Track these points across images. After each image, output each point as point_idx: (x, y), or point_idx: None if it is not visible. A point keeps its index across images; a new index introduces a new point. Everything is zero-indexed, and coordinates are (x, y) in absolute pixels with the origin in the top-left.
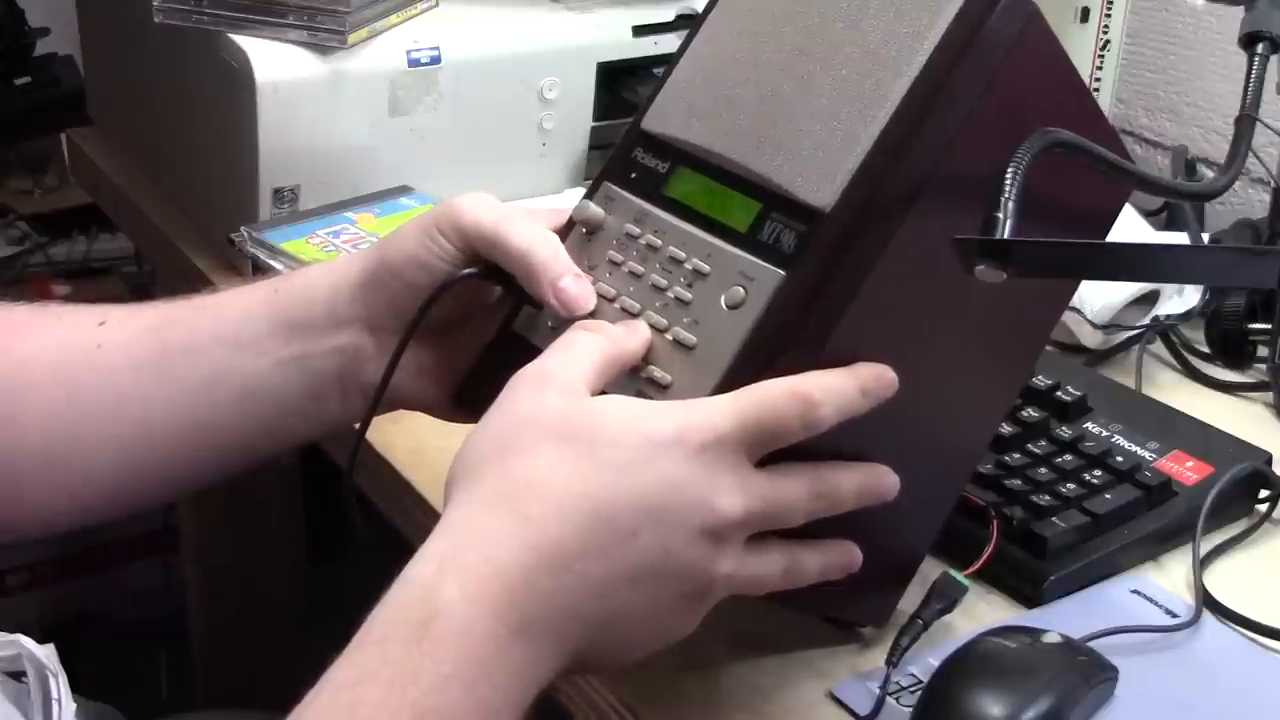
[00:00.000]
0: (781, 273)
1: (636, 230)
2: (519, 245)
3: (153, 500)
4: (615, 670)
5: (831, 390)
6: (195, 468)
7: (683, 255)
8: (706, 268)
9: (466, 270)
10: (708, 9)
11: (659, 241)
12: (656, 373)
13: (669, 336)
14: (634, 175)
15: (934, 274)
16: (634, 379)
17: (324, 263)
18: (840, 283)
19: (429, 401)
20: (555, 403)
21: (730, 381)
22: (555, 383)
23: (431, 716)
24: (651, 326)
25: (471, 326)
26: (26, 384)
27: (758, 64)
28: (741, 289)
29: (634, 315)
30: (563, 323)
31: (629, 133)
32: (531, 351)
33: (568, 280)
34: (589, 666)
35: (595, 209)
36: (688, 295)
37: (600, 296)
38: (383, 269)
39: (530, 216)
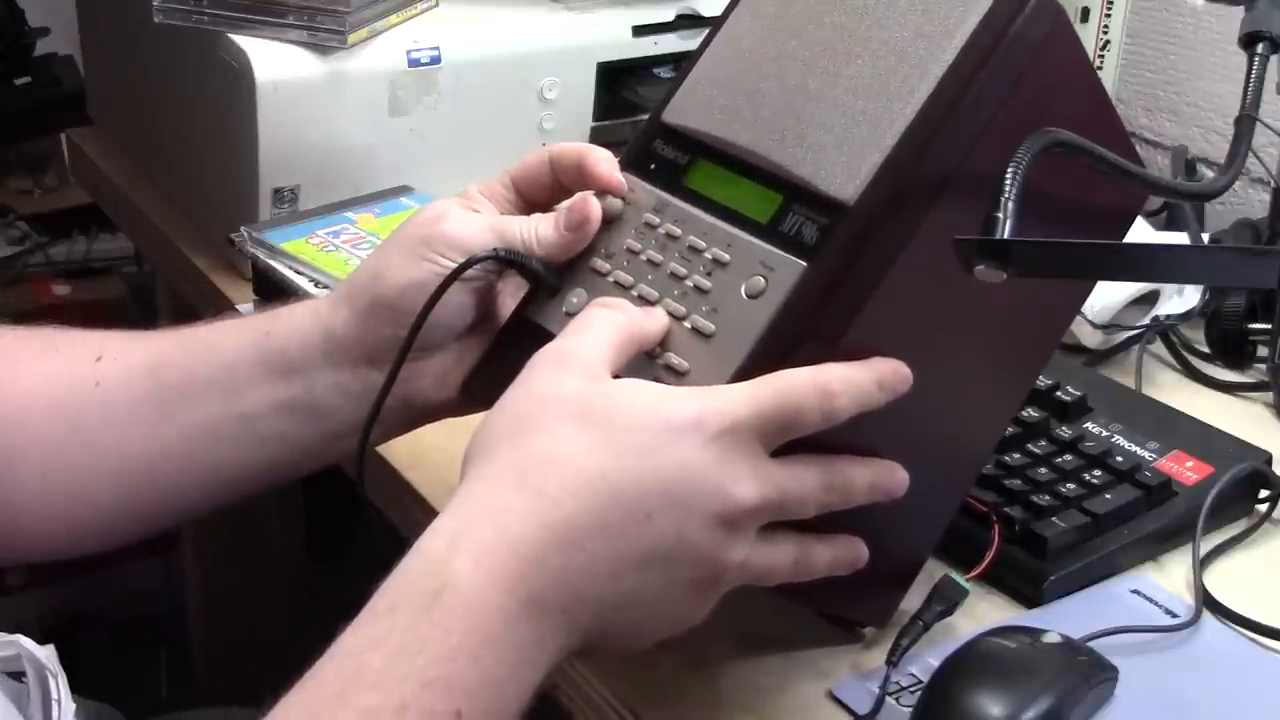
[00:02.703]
0: (803, 264)
1: (656, 219)
2: (524, 232)
3: (152, 528)
4: (623, 655)
5: (850, 382)
6: (197, 501)
7: (702, 244)
8: (726, 257)
9: (483, 254)
10: (731, 6)
11: (678, 231)
12: (674, 360)
13: (687, 324)
14: (653, 166)
15: (952, 272)
16: (651, 365)
17: (310, 303)
18: (861, 276)
19: (448, 407)
20: (574, 383)
21: (748, 370)
22: (574, 362)
23: (438, 685)
24: (669, 314)
25: (486, 332)
26: (25, 417)
27: (782, 59)
28: (762, 279)
29: (652, 303)
30: (577, 308)
31: (648, 125)
32: (545, 336)
33: (563, 214)
34: (598, 649)
35: (613, 198)
36: (707, 284)
37: (617, 284)
38: (377, 308)
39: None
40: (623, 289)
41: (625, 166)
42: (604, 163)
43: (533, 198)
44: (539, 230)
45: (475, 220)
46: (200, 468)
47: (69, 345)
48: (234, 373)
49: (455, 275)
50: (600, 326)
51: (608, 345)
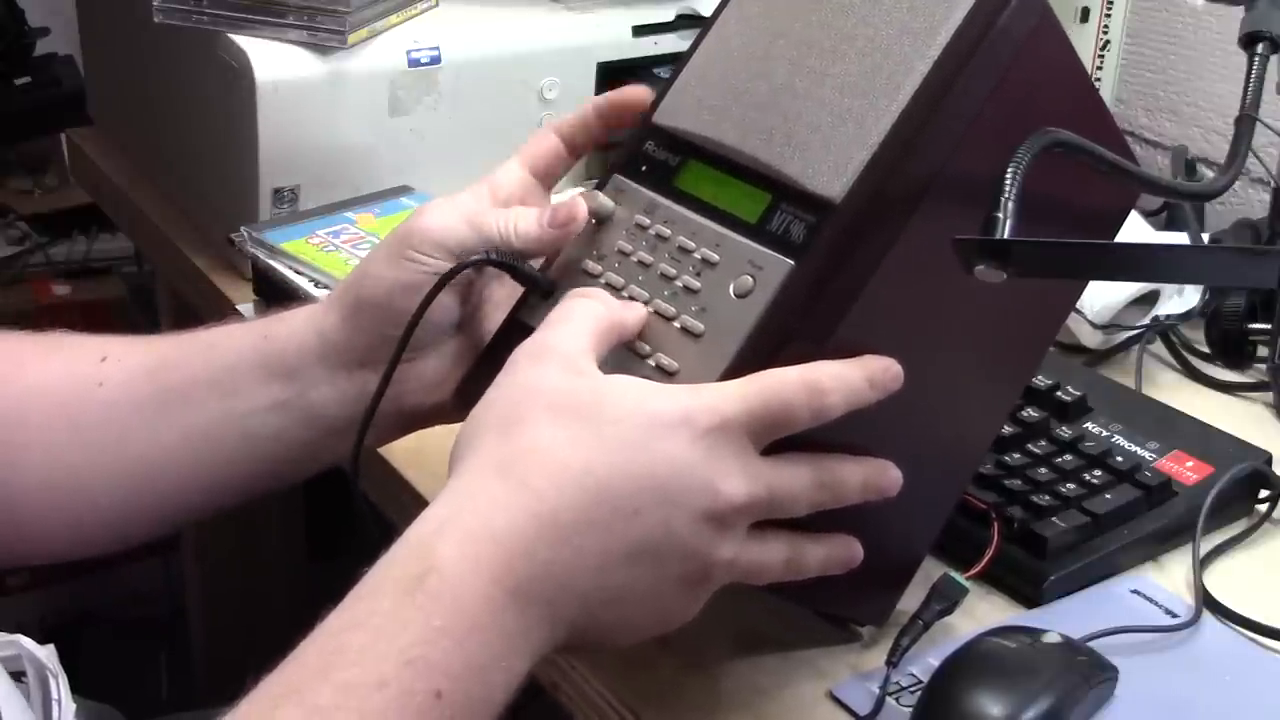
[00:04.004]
0: (790, 262)
1: (646, 220)
2: (501, 226)
3: (155, 531)
4: (612, 650)
5: (840, 380)
6: (198, 503)
7: (692, 245)
8: (715, 257)
9: (474, 257)
10: (720, 6)
11: (668, 231)
12: (664, 359)
13: (677, 324)
14: (645, 168)
15: (941, 270)
16: (641, 365)
17: (308, 307)
18: (849, 274)
19: (442, 412)
20: (556, 376)
21: (737, 369)
22: (555, 355)
23: (419, 665)
24: (659, 314)
25: (473, 333)
26: (28, 416)
27: (769, 59)
28: (750, 278)
29: (642, 304)
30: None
31: (640, 126)
32: None
33: (548, 211)
34: (586, 644)
35: (605, 199)
36: (696, 284)
37: (609, 286)
38: (363, 310)
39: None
40: (614, 290)
41: (617, 169)
42: (615, 96)
43: (549, 176)
44: (519, 225)
45: (451, 213)
46: (200, 470)
47: (73, 346)
48: (234, 375)
49: (444, 281)
50: (578, 317)
51: (587, 335)
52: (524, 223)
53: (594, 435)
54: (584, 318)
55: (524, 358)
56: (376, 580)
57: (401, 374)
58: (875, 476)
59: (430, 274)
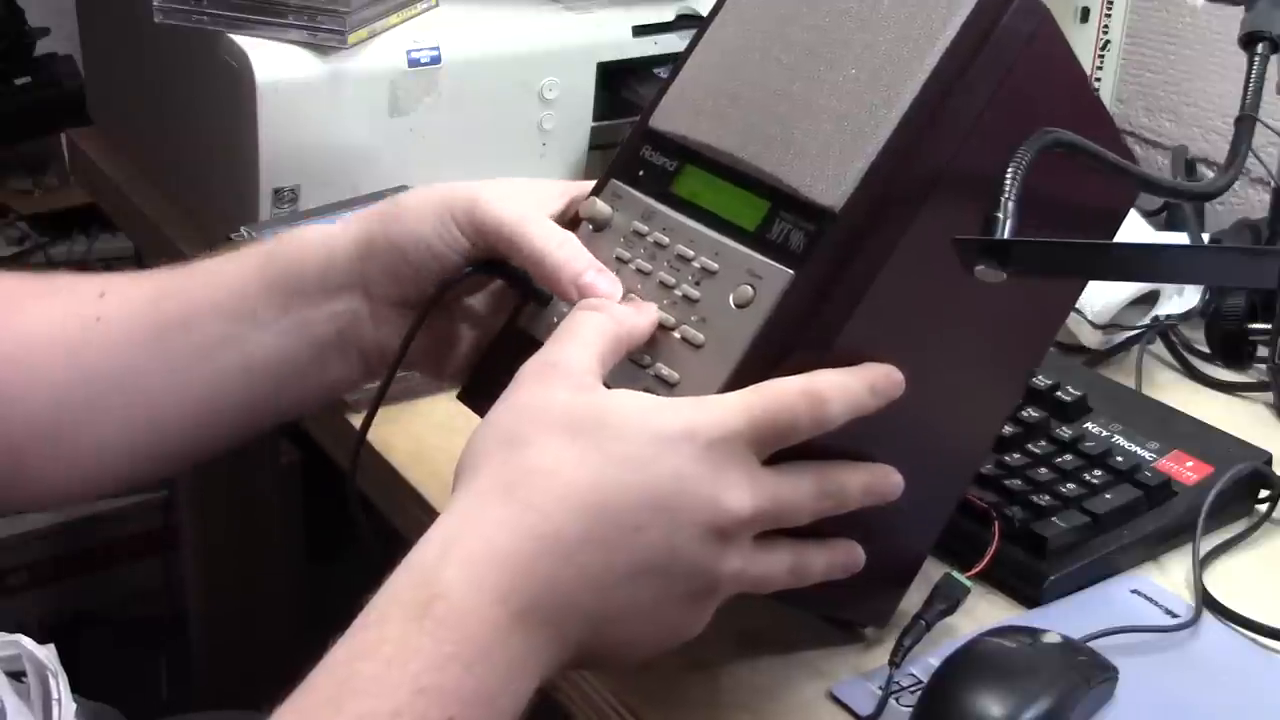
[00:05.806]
0: (790, 272)
1: (644, 228)
2: (537, 249)
3: (157, 473)
4: (622, 667)
5: (841, 388)
6: (200, 437)
7: (690, 253)
8: (715, 266)
9: (470, 269)
10: (715, 9)
11: (666, 239)
12: (664, 370)
13: (677, 334)
14: (641, 173)
15: (941, 274)
16: (641, 376)
17: (320, 225)
18: (849, 283)
19: (429, 385)
20: (562, 395)
21: (739, 380)
22: (561, 373)
23: (431, 693)
24: (660, 324)
25: (468, 309)
26: (30, 357)
27: (766, 63)
28: (750, 288)
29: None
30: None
31: (636, 131)
32: (536, 348)
33: (590, 275)
34: (593, 662)
35: (602, 205)
36: (695, 293)
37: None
38: (386, 243)
39: (545, 216)
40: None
41: (613, 174)
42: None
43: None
44: (552, 267)
45: (510, 199)
46: (200, 398)
47: (71, 285)
48: (233, 297)
49: (445, 288)
50: (586, 332)
51: (595, 351)
52: (555, 268)
53: (598, 452)
54: (591, 332)
55: (530, 375)
56: (382, 608)
57: (391, 345)
58: (876, 482)
59: (452, 248)
